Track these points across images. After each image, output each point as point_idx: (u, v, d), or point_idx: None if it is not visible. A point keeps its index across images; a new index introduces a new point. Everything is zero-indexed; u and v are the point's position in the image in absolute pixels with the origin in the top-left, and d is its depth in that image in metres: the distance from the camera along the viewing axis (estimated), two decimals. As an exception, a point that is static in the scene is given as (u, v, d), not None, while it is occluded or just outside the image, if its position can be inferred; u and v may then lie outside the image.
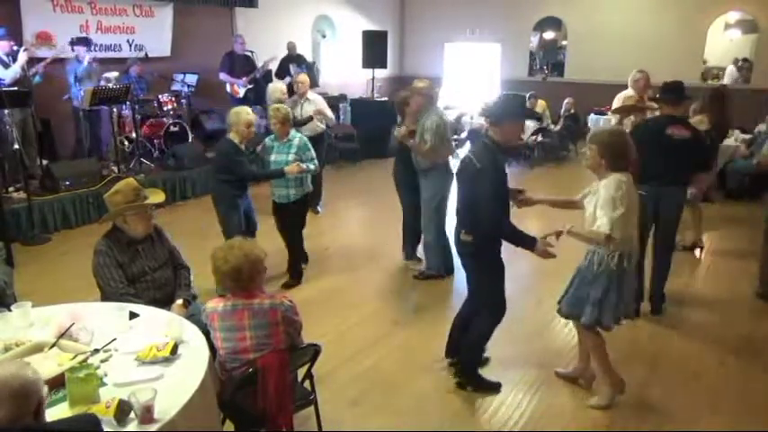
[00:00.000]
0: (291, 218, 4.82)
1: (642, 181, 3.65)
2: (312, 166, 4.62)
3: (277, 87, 6.53)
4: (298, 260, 5.01)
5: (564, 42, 12.79)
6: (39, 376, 1.62)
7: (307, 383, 2.79)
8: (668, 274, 4.44)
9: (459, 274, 5.15)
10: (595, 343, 3.28)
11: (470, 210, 3.17)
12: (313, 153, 4.69)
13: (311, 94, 6.64)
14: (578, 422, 3.21)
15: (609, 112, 9.69)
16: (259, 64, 8.84)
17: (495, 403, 3.39)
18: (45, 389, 1.64)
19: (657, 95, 4.60)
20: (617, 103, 6.29)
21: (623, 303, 3.15)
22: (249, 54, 8.90)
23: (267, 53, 9.15)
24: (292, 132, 4.69)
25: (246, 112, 4.52)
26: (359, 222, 7.17)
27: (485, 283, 3.35)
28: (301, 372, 2.75)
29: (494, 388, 3.49)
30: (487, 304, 3.39)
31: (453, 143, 5.40)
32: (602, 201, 2.98)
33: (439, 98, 5.40)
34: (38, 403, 1.59)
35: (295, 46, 9.96)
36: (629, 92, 6.17)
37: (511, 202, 3.29)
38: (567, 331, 4.14)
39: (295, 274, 4.97)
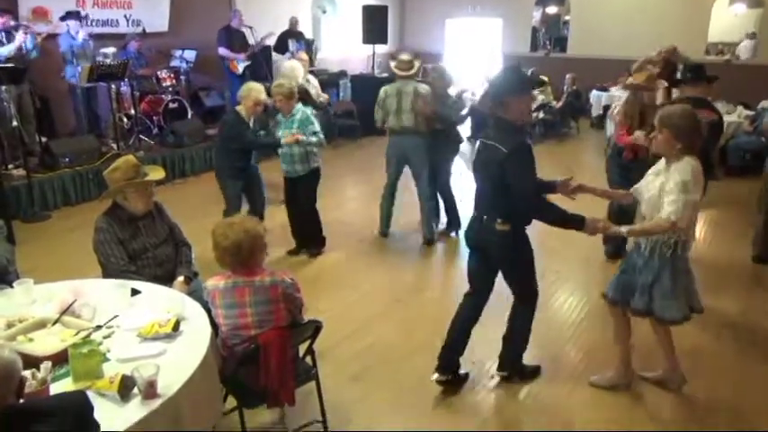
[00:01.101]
0: (302, 191, 4.85)
1: None
2: (314, 138, 4.61)
3: (295, 67, 6.26)
4: (318, 228, 5.09)
5: (567, 17, 12.62)
6: (16, 356, 1.60)
7: (308, 359, 2.81)
8: None
9: (460, 261, 5.17)
10: (620, 333, 3.24)
11: (503, 197, 2.91)
12: (316, 126, 4.65)
13: (309, 75, 6.63)
14: (573, 403, 3.25)
15: (613, 87, 9.61)
16: (256, 39, 8.75)
17: (494, 380, 3.41)
18: (21, 366, 1.62)
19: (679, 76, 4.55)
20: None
21: (684, 294, 2.97)
22: (247, 29, 8.80)
23: (266, 28, 9.05)
24: (297, 106, 4.67)
25: (258, 91, 4.61)
26: (359, 200, 7.16)
27: (525, 273, 3.17)
28: (303, 348, 2.77)
29: (536, 372, 3.44)
30: (528, 295, 3.23)
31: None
32: (673, 185, 2.78)
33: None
34: (19, 383, 1.58)
35: (297, 22, 9.86)
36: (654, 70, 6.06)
37: (560, 193, 3.09)
38: (566, 308, 4.16)
39: (318, 242, 5.11)
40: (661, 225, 2.80)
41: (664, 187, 2.84)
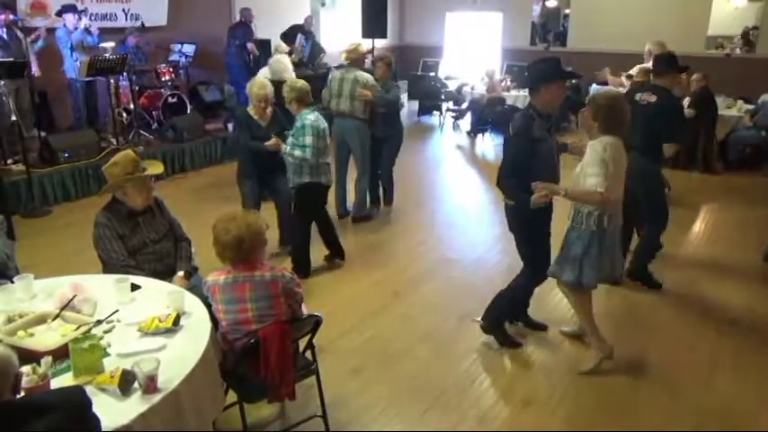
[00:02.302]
0: (295, 204, 4.53)
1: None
2: (297, 152, 4.24)
3: (282, 60, 6.26)
4: (329, 240, 4.79)
5: (567, 11, 12.57)
6: (11, 352, 1.60)
7: (308, 354, 2.82)
8: (650, 248, 4.37)
9: (463, 251, 5.18)
10: (577, 302, 3.37)
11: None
12: (306, 140, 4.22)
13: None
14: (566, 393, 3.26)
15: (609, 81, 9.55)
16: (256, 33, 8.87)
17: (494, 374, 3.43)
18: (17, 362, 1.61)
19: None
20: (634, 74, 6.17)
21: (607, 264, 3.22)
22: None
23: (264, 22, 9.08)
24: (304, 112, 4.32)
25: (259, 87, 4.44)
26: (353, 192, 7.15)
27: (525, 244, 3.50)
28: (303, 342, 2.78)
29: (516, 344, 3.65)
30: (528, 263, 3.53)
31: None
32: (590, 160, 3.07)
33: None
34: (15, 379, 1.57)
35: (312, 23, 10.29)
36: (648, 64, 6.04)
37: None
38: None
39: (334, 251, 4.83)
40: (591, 195, 3.04)
41: (584, 163, 3.12)
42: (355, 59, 5.57)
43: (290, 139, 4.31)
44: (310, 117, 4.26)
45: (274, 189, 4.72)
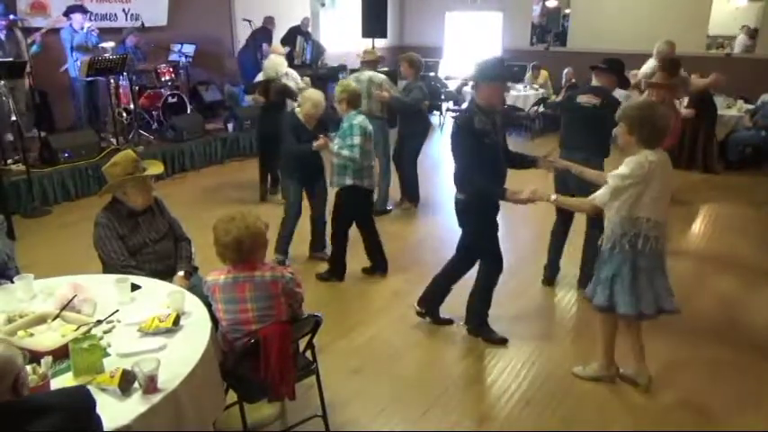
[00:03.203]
0: (335, 206, 4.44)
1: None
2: (345, 152, 4.18)
3: (276, 61, 6.30)
4: (370, 250, 4.63)
5: (567, 11, 12.57)
6: (13, 353, 1.58)
7: (308, 354, 2.82)
8: (591, 257, 4.03)
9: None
10: (604, 326, 3.20)
11: (455, 168, 3.45)
12: (354, 140, 4.17)
13: (289, 69, 6.75)
14: (569, 392, 3.26)
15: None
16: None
17: (493, 373, 3.43)
18: (20, 363, 1.59)
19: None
20: (640, 75, 6.17)
21: (645, 291, 2.95)
22: (246, 23, 8.91)
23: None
24: (352, 113, 4.27)
25: (312, 105, 4.38)
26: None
27: (477, 237, 3.56)
28: (303, 342, 2.78)
29: (501, 342, 3.68)
30: (483, 256, 3.60)
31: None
32: (614, 172, 2.89)
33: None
34: (14, 379, 1.55)
35: (309, 23, 10.35)
36: (652, 63, 6.03)
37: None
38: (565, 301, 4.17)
39: (377, 264, 4.67)
40: (584, 203, 2.98)
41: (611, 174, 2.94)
42: (369, 61, 5.96)
43: (336, 140, 4.27)
44: (358, 118, 4.24)
45: (313, 191, 4.68)
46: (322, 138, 4.27)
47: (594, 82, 4.30)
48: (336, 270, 4.51)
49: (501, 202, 3.43)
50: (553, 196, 3.16)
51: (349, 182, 4.26)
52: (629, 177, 2.83)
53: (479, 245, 3.59)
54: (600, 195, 2.93)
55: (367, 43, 10.40)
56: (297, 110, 4.53)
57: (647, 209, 2.88)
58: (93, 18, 7.75)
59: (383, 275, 4.60)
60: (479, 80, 3.40)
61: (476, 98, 3.42)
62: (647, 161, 2.82)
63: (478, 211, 3.46)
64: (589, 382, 3.29)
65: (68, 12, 6.99)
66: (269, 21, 9.60)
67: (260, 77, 6.40)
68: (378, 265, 4.64)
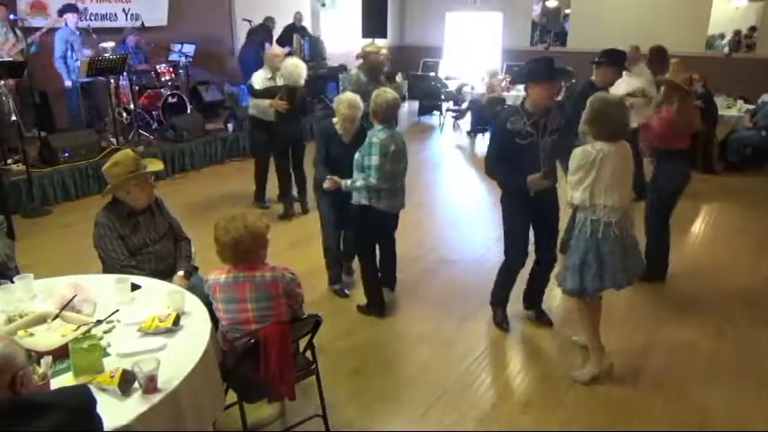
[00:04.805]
0: (353, 224, 4.07)
1: None
2: (359, 183, 3.74)
3: (297, 64, 5.63)
4: (364, 284, 4.15)
5: (567, 11, 12.57)
6: (11, 351, 1.57)
7: (308, 354, 2.82)
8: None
9: (463, 252, 5.17)
10: (581, 312, 3.29)
11: None
12: (371, 160, 3.67)
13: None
14: (566, 393, 3.26)
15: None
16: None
17: (493, 373, 3.43)
18: (20, 361, 1.58)
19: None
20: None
21: (607, 271, 3.09)
22: (246, 22, 8.90)
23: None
24: (377, 128, 3.76)
25: (346, 106, 3.91)
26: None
27: (505, 232, 3.70)
28: (303, 342, 2.78)
29: (502, 328, 3.83)
30: (505, 247, 3.73)
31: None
32: (570, 167, 3.10)
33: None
34: (12, 377, 1.54)
35: (302, 18, 10.15)
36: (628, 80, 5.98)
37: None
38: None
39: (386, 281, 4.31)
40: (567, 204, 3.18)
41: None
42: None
43: (356, 155, 3.78)
44: (380, 135, 3.69)
45: (345, 206, 4.08)
46: (329, 180, 3.86)
47: (595, 76, 4.34)
48: (373, 301, 4.06)
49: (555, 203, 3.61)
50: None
51: (364, 201, 3.82)
52: (577, 169, 3.04)
53: (505, 235, 3.71)
54: (567, 193, 3.12)
55: (367, 43, 10.46)
56: (335, 118, 4.07)
57: (603, 196, 3.03)
58: (92, 18, 7.75)
59: (389, 291, 4.28)
60: (528, 82, 3.47)
61: (525, 101, 3.49)
62: (593, 150, 3.02)
63: (505, 203, 3.66)
64: (587, 388, 3.28)
65: (62, 12, 6.96)
66: (269, 19, 9.61)
67: (258, 80, 5.86)
68: (387, 281, 4.29)
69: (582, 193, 3.03)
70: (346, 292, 4.31)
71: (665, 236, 4.41)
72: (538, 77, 3.43)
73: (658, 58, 6.15)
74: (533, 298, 3.95)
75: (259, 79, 5.77)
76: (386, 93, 3.79)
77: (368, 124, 3.95)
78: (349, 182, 3.79)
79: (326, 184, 3.88)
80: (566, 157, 3.24)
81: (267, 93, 5.59)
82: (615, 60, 4.40)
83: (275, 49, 6.11)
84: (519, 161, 3.43)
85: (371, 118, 3.82)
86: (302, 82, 5.51)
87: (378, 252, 4.13)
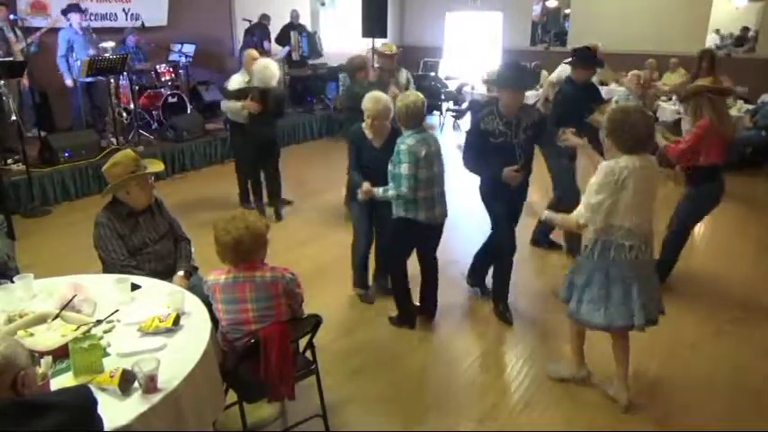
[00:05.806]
0: (389, 235, 3.93)
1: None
2: (391, 192, 3.56)
3: (267, 65, 5.43)
4: (396, 297, 3.95)
5: (567, 11, 12.57)
6: (13, 351, 1.57)
7: (308, 354, 2.82)
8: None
9: (463, 252, 5.17)
10: (572, 330, 3.19)
11: None
12: (402, 169, 3.46)
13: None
14: (566, 393, 3.26)
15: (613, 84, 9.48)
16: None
17: (493, 374, 3.43)
18: (21, 361, 1.58)
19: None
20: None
21: (611, 305, 2.85)
22: (245, 22, 8.92)
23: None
24: (405, 134, 3.56)
25: (369, 100, 3.70)
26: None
27: (492, 219, 3.93)
28: (303, 342, 2.78)
29: (507, 322, 3.93)
30: (493, 228, 3.98)
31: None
32: (590, 182, 2.79)
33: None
34: (14, 377, 1.55)
35: (298, 15, 10.06)
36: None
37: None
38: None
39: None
40: (570, 221, 2.88)
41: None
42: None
43: (389, 166, 3.59)
44: (408, 141, 3.47)
45: (378, 214, 3.98)
46: (362, 190, 3.69)
47: (572, 74, 4.53)
48: (403, 314, 3.91)
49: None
50: (544, 214, 3.19)
51: (401, 213, 3.62)
52: (601, 190, 2.72)
53: (492, 226, 3.97)
54: (580, 214, 2.80)
55: (367, 43, 10.45)
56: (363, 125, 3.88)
57: (620, 216, 2.76)
58: (92, 18, 7.75)
59: (429, 318, 3.97)
60: (498, 86, 3.69)
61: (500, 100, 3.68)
62: (618, 166, 2.71)
63: (485, 193, 3.96)
64: (589, 390, 3.28)
65: (66, 11, 6.97)
66: (264, 16, 9.54)
67: (233, 83, 5.69)
68: (424, 306, 3.99)
69: (600, 216, 2.75)
70: (369, 299, 4.24)
71: (683, 242, 4.32)
72: (505, 85, 3.62)
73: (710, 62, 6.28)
74: (483, 276, 4.29)
75: (234, 82, 5.66)
76: (408, 96, 3.58)
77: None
78: (381, 190, 3.61)
79: (360, 196, 3.72)
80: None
81: (237, 94, 5.48)
82: (584, 59, 4.54)
83: (251, 51, 6.01)
84: (495, 158, 3.65)
85: (398, 124, 3.66)
86: (274, 83, 5.40)
87: (421, 272, 3.95)
